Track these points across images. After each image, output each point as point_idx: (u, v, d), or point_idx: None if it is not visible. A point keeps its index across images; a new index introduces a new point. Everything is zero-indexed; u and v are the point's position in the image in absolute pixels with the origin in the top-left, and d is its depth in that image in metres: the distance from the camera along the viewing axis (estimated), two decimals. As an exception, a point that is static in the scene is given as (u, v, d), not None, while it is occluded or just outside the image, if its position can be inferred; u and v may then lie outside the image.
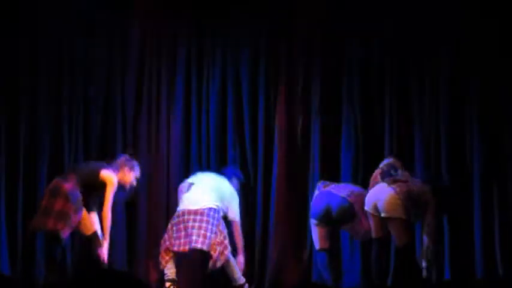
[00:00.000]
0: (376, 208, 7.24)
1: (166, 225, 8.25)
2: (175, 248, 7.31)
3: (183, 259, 7.50)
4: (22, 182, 8.34)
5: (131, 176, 7.34)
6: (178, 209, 7.48)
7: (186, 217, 7.34)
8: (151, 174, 8.47)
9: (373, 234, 7.36)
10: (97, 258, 7.06)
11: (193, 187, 7.50)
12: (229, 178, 7.73)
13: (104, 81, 8.56)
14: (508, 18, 7.78)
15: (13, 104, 8.43)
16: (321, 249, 7.54)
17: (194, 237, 7.24)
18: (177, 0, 8.67)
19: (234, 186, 7.71)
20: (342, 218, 7.44)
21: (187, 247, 7.26)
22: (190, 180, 7.66)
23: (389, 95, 8.19)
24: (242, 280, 7.54)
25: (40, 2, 8.48)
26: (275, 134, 8.44)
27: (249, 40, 8.60)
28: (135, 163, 7.38)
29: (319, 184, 7.69)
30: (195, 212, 7.31)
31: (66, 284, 5.90)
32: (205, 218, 7.29)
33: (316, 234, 7.54)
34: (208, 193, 7.43)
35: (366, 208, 7.31)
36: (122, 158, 7.36)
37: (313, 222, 7.54)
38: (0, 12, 8.36)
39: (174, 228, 7.39)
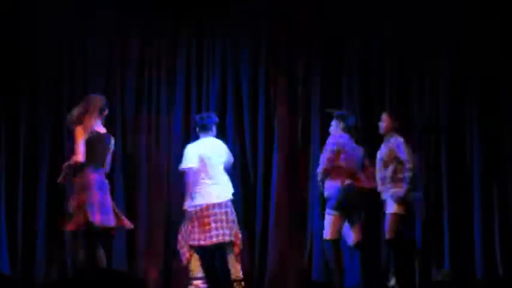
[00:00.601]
0: (402, 207, 7.46)
1: (167, 225, 8.27)
2: (206, 242, 7.46)
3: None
4: (22, 182, 8.35)
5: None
6: (200, 203, 7.52)
7: (211, 211, 7.49)
8: (151, 174, 8.48)
9: (388, 236, 7.46)
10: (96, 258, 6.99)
11: (210, 184, 7.55)
12: (211, 129, 7.74)
13: (104, 81, 8.55)
14: (508, 18, 7.79)
15: (13, 104, 8.43)
16: (330, 240, 7.58)
17: (221, 231, 7.46)
18: (177, 0, 8.68)
19: (215, 133, 7.80)
20: (361, 202, 7.58)
21: (214, 240, 7.46)
22: (198, 168, 7.61)
23: (389, 95, 8.20)
24: (241, 274, 7.56)
25: (40, 2, 8.48)
26: (275, 134, 8.44)
27: (249, 40, 8.60)
28: (102, 99, 7.14)
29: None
30: (220, 205, 7.52)
31: (66, 284, 5.90)
32: (229, 210, 7.55)
33: (330, 224, 7.55)
34: (225, 184, 7.60)
35: (391, 211, 7.45)
36: (92, 100, 7.02)
37: (330, 212, 7.57)
38: (0, 12, 8.37)
39: (197, 222, 7.50)
